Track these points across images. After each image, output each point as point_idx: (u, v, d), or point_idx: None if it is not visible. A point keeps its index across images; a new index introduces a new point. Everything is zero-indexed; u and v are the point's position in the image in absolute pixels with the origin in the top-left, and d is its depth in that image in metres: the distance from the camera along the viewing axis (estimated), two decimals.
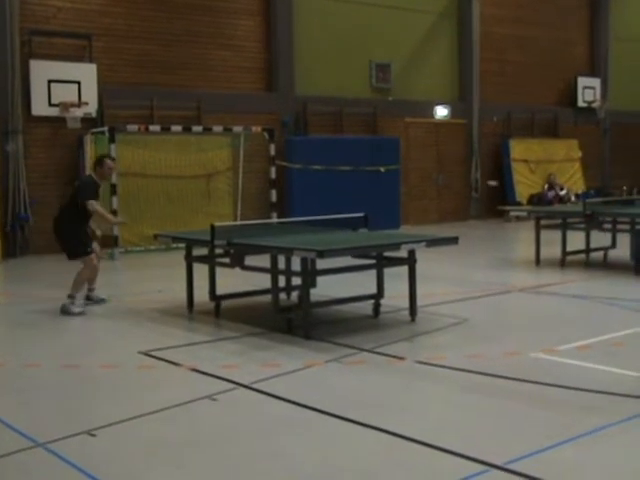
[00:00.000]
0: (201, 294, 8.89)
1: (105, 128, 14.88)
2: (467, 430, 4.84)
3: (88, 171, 12.41)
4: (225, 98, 17.42)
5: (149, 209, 15.30)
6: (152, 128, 15.42)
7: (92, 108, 15.69)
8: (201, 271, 8.94)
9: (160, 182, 15.35)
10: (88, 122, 15.67)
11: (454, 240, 8.26)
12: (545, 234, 12.07)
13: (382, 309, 8.43)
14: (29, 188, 15.19)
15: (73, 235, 9.42)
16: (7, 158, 15.01)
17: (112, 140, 14.47)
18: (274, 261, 7.83)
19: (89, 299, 9.76)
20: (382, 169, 18.78)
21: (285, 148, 17.85)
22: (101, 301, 9.79)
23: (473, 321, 8.11)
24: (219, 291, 8.81)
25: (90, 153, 15.23)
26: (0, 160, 14.95)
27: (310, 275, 7.57)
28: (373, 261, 8.30)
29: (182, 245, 9.56)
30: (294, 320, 7.67)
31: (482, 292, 9.78)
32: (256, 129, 16.62)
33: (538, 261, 11.95)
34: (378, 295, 8.39)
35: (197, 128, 16.01)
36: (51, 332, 8.30)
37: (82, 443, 4.76)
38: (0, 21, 14.77)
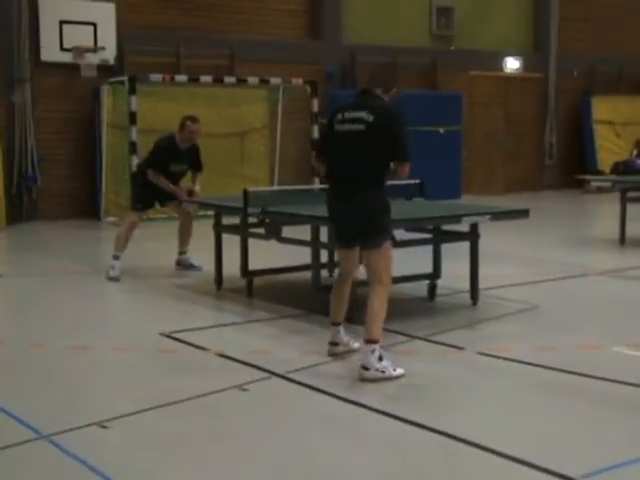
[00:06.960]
0: (231, 269, 8.89)
1: (125, 77, 14.92)
2: (535, 435, 4.76)
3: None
4: (262, 45, 17.36)
5: None
6: (178, 78, 15.46)
7: (110, 54, 15.77)
8: (231, 243, 8.93)
9: None
10: (105, 70, 15.76)
11: (524, 213, 8.11)
12: (632, 208, 11.85)
13: (439, 291, 8.36)
14: (37, 145, 15.34)
15: (133, 185, 10.63)
16: (13, 111, 15.16)
17: (132, 91, 14.51)
18: (315, 233, 7.77)
19: (178, 264, 10.23)
20: (441, 130, 18.62)
21: (329, 104, 17.74)
22: (191, 267, 10.15)
23: (544, 308, 8.00)
24: (252, 266, 8.79)
25: (107, 106, 15.30)
26: (5, 113, 15.11)
27: None
28: (429, 236, 8.21)
29: (210, 213, 9.56)
30: None
31: (555, 275, 9.64)
32: (297, 81, 16.55)
33: (623, 240, 11.75)
34: (434, 275, 8.31)
35: (230, 79, 16.01)
36: (58, 309, 8.37)
37: (91, 436, 4.78)
38: None
